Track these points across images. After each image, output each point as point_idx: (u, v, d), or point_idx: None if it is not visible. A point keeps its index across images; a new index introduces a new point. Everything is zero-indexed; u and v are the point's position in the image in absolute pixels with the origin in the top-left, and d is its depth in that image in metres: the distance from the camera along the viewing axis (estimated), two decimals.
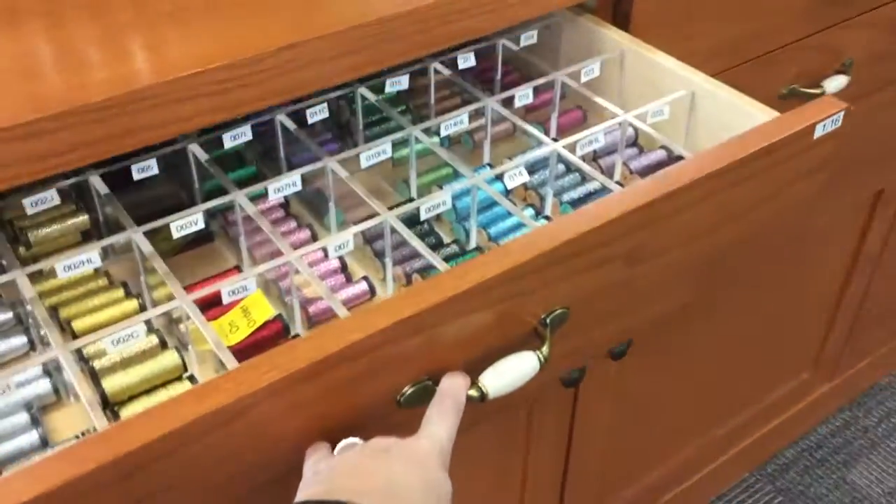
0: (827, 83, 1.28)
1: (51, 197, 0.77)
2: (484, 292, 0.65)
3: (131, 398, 0.65)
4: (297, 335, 0.74)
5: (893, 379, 2.00)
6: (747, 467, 1.79)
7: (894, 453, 1.85)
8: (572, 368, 1.05)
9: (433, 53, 0.95)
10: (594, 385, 1.19)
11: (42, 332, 0.68)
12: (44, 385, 0.69)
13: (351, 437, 0.61)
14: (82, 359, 0.69)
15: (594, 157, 0.93)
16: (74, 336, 0.74)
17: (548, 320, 0.70)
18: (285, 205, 0.88)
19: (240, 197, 0.78)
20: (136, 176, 0.81)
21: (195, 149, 0.84)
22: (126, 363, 0.67)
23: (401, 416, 0.65)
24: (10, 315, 0.76)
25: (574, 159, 0.85)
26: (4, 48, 0.73)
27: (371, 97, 0.93)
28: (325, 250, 0.73)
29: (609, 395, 1.27)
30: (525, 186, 0.90)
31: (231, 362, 0.64)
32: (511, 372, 0.66)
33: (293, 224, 0.85)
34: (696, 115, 0.91)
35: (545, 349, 0.68)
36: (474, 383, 0.65)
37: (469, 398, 0.65)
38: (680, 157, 0.92)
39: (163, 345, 0.71)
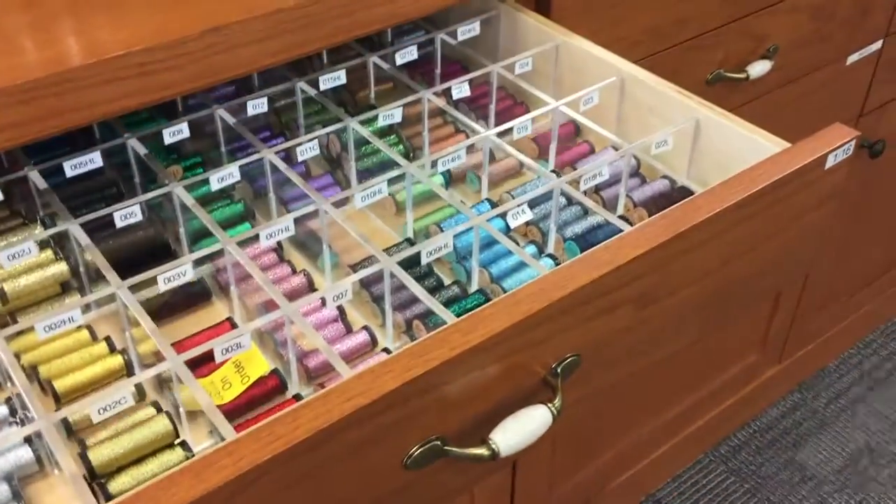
0: (751, 68, 1.32)
1: (28, 249, 0.73)
2: (494, 346, 0.61)
3: (120, 469, 0.61)
4: (298, 395, 0.70)
5: (840, 363, 2.08)
6: (700, 448, 1.83)
7: (842, 434, 1.91)
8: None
9: (372, 50, 1.01)
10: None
11: (22, 398, 0.64)
12: (25, 454, 0.64)
13: None
14: (67, 427, 0.65)
15: (595, 189, 0.90)
16: (56, 398, 0.70)
17: (558, 369, 0.67)
18: (277, 246, 0.84)
19: (230, 245, 0.74)
20: (120, 224, 0.77)
21: (180, 191, 0.80)
22: (113, 431, 0.63)
23: (407, 479, 0.61)
24: None
25: (577, 195, 0.82)
26: None
27: (363, 131, 0.89)
28: (322, 300, 0.69)
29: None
30: (528, 222, 0.87)
31: (226, 428, 0.60)
32: (523, 429, 0.63)
33: (287, 269, 0.81)
34: (700, 144, 0.89)
35: (557, 402, 0.65)
36: (484, 441, 0.62)
37: (479, 457, 0.62)
38: (683, 188, 0.89)
39: (145, 400, 0.66)
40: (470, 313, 0.63)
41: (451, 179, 0.92)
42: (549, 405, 0.64)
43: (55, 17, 0.78)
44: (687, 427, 1.71)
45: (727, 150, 0.87)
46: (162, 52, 0.73)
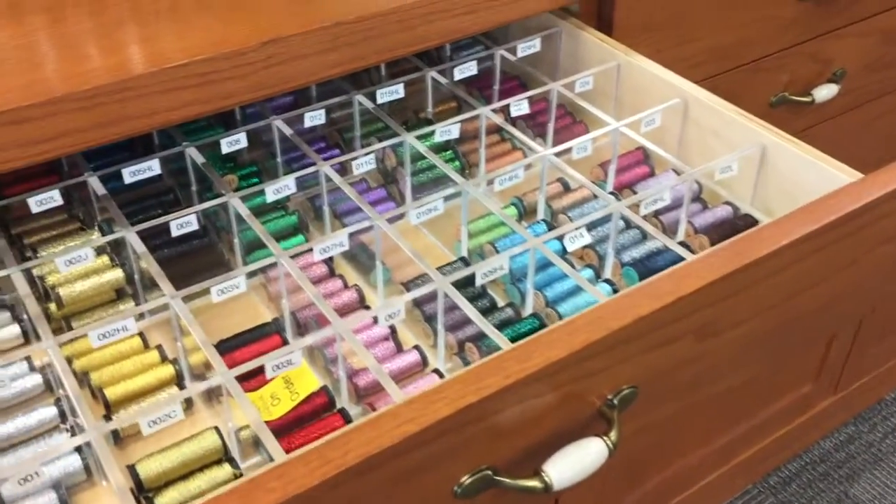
0: (816, 92, 1.28)
1: (85, 255, 0.73)
2: (550, 375, 0.59)
3: (168, 483, 0.61)
4: (343, 410, 0.69)
5: None
6: (749, 479, 1.76)
7: None
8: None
9: (430, 63, 1.02)
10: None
11: (74, 406, 0.64)
12: (74, 462, 0.64)
13: None
14: (114, 434, 0.64)
15: (655, 213, 0.88)
16: (107, 405, 0.70)
17: (615, 401, 0.65)
18: (328, 258, 0.84)
19: (284, 259, 0.73)
20: (176, 232, 0.77)
21: (236, 202, 0.80)
22: (163, 444, 0.63)
23: None
24: (39, 381, 0.71)
25: (637, 219, 0.80)
26: (6, 41, 0.76)
27: (420, 147, 0.88)
28: (375, 319, 0.68)
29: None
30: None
31: (274, 447, 0.59)
32: (578, 463, 0.61)
33: (339, 284, 0.81)
34: (765, 170, 0.86)
35: (613, 435, 0.63)
36: (537, 473, 0.60)
37: (532, 489, 0.60)
38: (747, 216, 0.86)
39: (192, 409, 0.66)
40: (526, 340, 0.61)
41: (525, 212, 0.91)
42: (605, 438, 0.62)
43: (118, 25, 0.78)
44: (736, 456, 1.66)
45: (794, 178, 0.84)
46: (223, 62, 0.74)
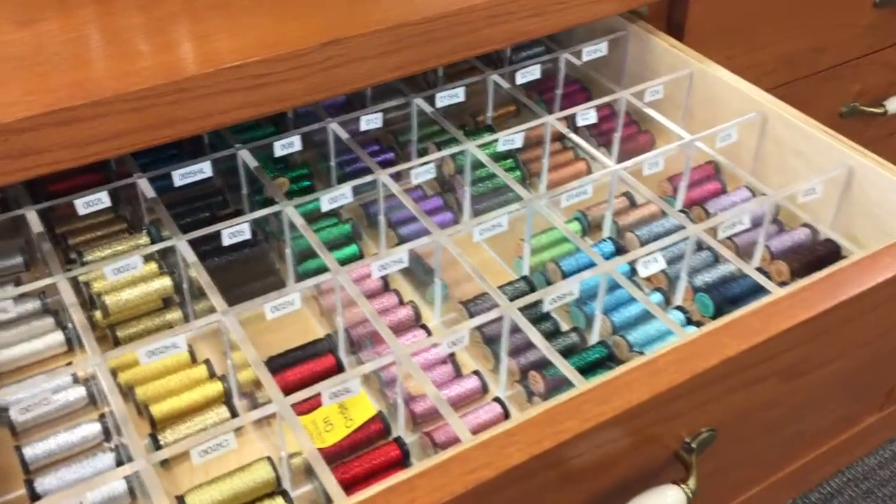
0: (889, 103, 1.22)
1: (134, 264, 0.70)
2: (630, 419, 0.55)
3: None
4: (399, 439, 0.65)
5: None
6: (790, 494, 1.71)
7: None
8: None
9: (490, 65, 0.99)
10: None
11: (119, 425, 0.60)
12: (119, 486, 0.61)
13: None
14: (156, 445, 0.61)
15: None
16: (153, 423, 0.67)
17: (693, 444, 0.60)
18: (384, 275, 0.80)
19: (341, 275, 0.70)
20: (227, 241, 0.73)
21: (290, 211, 0.76)
22: (210, 467, 0.59)
23: None
24: (83, 394, 0.69)
25: (713, 243, 0.75)
26: (55, 34, 0.72)
27: (481, 156, 0.84)
28: (436, 344, 0.64)
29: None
30: None
31: (329, 479, 0.55)
32: None
33: (394, 299, 0.77)
34: (850, 193, 0.81)
35: (692, 482, 0.59)
36: None
37: None
38: (828, 241, 0.81)
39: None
40: (603, 378, 0.57)
41: (589, 227, 0.86)
42: (684, 486, 0.58)
43: (170, 20, 0.75)
44: (778, 471, 1.62)
45: (882, 203, 0.78)
46: (280, 63, 0.70)
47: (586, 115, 0.88)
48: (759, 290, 0.74)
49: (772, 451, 0.74)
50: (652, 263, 0.71)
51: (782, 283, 0.77)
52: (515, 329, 0.69)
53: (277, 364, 0.71)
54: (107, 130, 0.65)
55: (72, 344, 0.74)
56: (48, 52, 0.69)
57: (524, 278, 0.78)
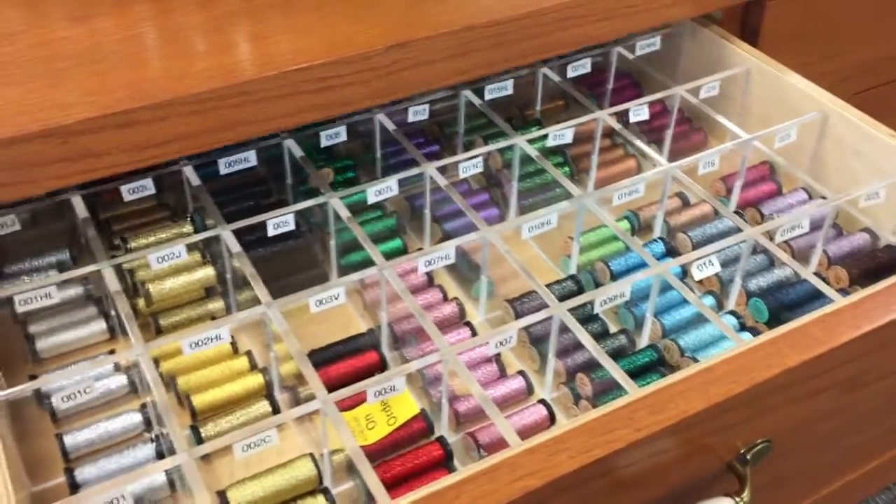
0: None
1: (178, 252, 0.69)
2: (684, 429, 0.53)
3: None
4: (441, 438, 0.64)
5: None
6: (865, 493, 1.66)
7: None
8: None
9: (543, 61, 0.93)
10: None
11: (160, 415, 0.60)
12: (159, 478, 0.61)
13: None
14: (197, 437, 0.61)
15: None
16: (193, 414, 0.66)
17: (748, 456, 0.58)
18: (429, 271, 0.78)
19: (387, 271, 0.68)
20: (272, 232, 0.72)
21: (335, 203, 0.75)
22: (251, 460, 0.58)
23: None
24: (124, 382, 0.68)
25: (769, 245, 0.73)
26: (111, 32, 0.70)
27: (530, 150, 0.82)
28: (486, 343, 0.63)
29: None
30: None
31: (371, 477, 0.54)
32: None
33: (438, 295, 0.75)
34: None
35: (746, 495, 0.57)
36: None
37: None
38: (890, 247, 0.78)
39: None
40: (658, 386, 0.55)
41: (640, 226, 0.84)
42: (738, 499, 0.56)
43: (229, 19, 0.73)
44: (828, 485, 1.54)
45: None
46: (345, 66, 0.67)
47: (639, 111, 0.85)
48: (815, 297, 0.71)
49: (826, 463, 0.71)
50: (707, 266, 0.69)
51: (841, 290, 0.74)
52: (563, 329, 0.67)
53: (319, 358, 0.70)
54: (166, 133, 0.63)
55: (114, 332, 0.73)
56: (105, 51, 0.68)
57: (572, 277, 0.77)
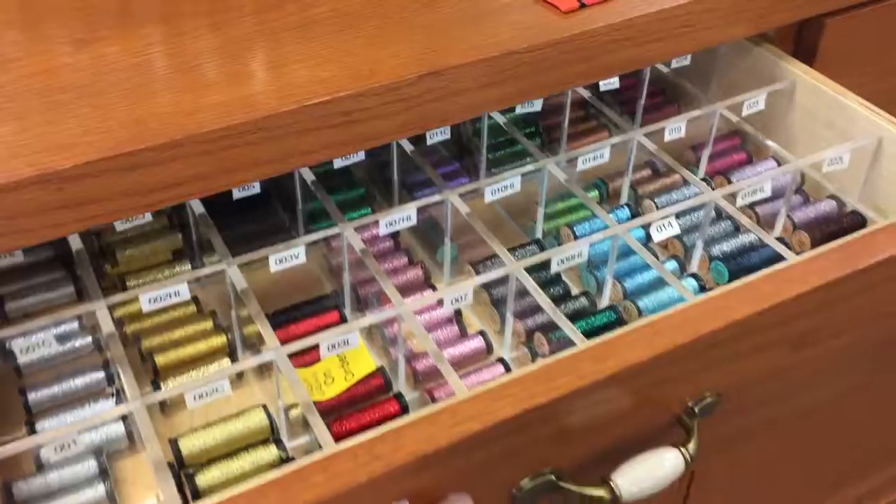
0: None
1: (143, 215, 0.70)
2: (628, 378, 0.54)
3: (210, 461, 0.57)
4: (399, 395, 0.65)
5: None
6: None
7: None
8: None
9: None
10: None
11: (119, 371, 0.61)
12: (117, 429, 0.62)
13: None
14: (163, 405, 0.61)
15: (750, 204, 0.80)
16: (156, 372, 0.67)
17: (696, 409, 0.59)
18: (396, 234, 0.79)
19: (347, 229, 0.69)
20: (237, 195, 0.73)
21: (303, 170, 0.76)
22: (211, 415, 0.59)
23: None
24: (88, 340, 0.69)
25: (732, 210, 0.73)
26: (116, 59, 0.64)
27: (499, 118, 0.82)
28: (440, 301, 0.64)
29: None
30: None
31: (321, 428, 0.55)
32: (651, 474, 0.55)
33: (404, 260, 0.76)
34: (879, 164, 0.78)
35: (692, 446, 0.57)
36: (605, 481, 0.55)
37: (598, 499, 0.55)
38: (855, 213, 0.78)
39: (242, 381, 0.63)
40: (604, 338, 0.56)
41: (608, 195, 0.83)
42: (683, 449, 0.56)
43: (245, 44, 0.66)
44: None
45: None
46: (372, 98, 0.61)
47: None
48: (777, 260, 0.71)
49: (777, 422, 0.71)
50: (666, 227, 0.69)
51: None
52: (524, 292, 0.68)
53: (282, 319, 0.70)
54: (174, 176, 0.57)
55: (82, 295, 0.74)
56: (108, 81, 0.61)
57: (536, 241, 0.77)
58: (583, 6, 0.69)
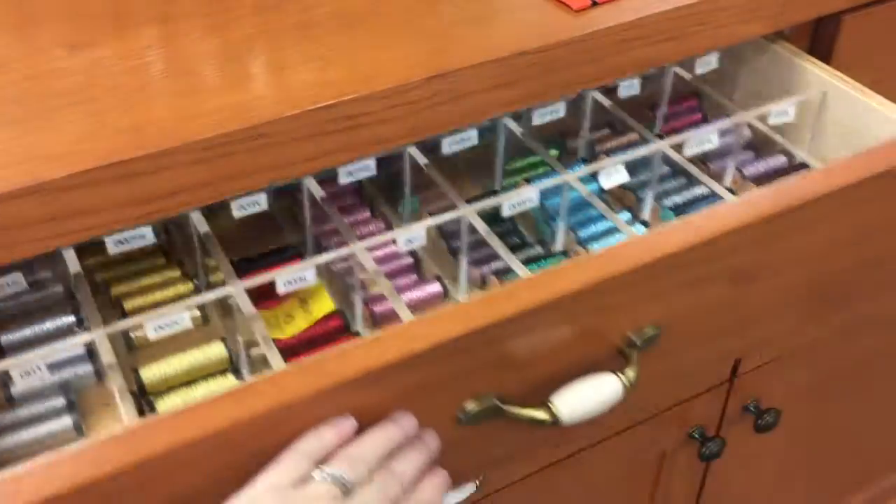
0: None
1: None
2: (566, 306, 0.57)
3: (170, 389, 0.60)
4: (357, 333, 0.67)
5: None
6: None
7: None
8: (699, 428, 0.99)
9: None
10: (730, 457, 1.04)
11: (86, 309, 0.63)
12: (85, 367, 0.64)
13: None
14: (127, 344, 0.64)
15: (704, 160, 0.83)
16: (123, 314, 0.70)
17: (637, 341, 0.62)
18: (359, 189, 0.82)
19: (308, 179, 0.72)
20: None
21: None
22: (168, 351, 0.62)
23: (460, 434, 0.57)
24: (60, 289, 0.72)
25: (680, 160, 0.76)
26: (111, 63, 0.62)
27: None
28: (395, 241, 0.66)
29: (744, 467, 1.14)
30: (623, 187, 0.81)
31: (277, 360, 0.58)
32: (588, 396, 0.58)
33: (367, 213, 0.79)
34: (826, 118, 0.81)
35: (630, 372, 0.60)
36: (545, 403, 0.57)
37: (539, 421, 0.57)
38: (803, 165, 0.81)
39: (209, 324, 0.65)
40: (545, 269, 0.58)
41: (566, 153, 0.85)
42: (620, 375, 0.59)
43: (245, 46, 0.64)
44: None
45: (855, 126, 0.78)
46: (378, 101, 0.60)
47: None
48: None
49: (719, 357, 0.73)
50: (614, 174, 0.72)
51: None
52: (482, 242, 0.71)
53: (246, 267, 0.73)
54: (171, 185, 0.56)
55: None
56: (103, 86, 0.60)
57: (493, 191, 0.80)
58: (595, 4, 0.69)
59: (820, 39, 0.86)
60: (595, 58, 0.67)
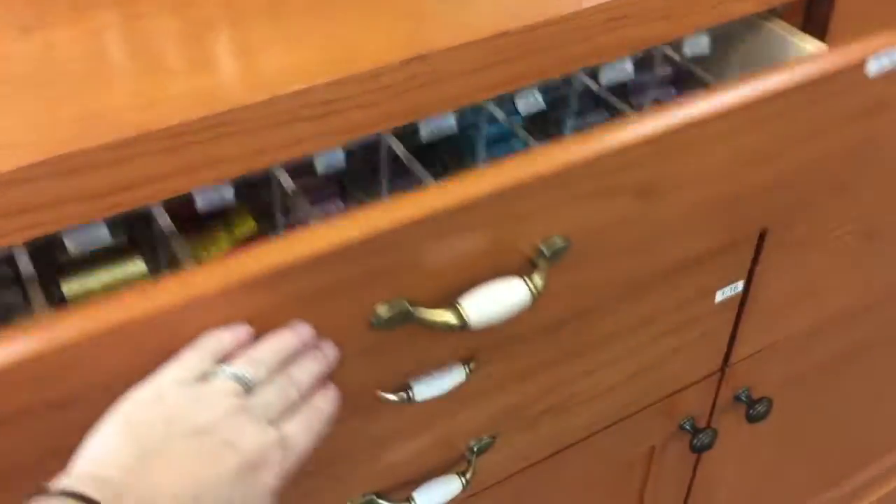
0: None
1: None
2: (470, 210, 0.59)
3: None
4: None
5: None
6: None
7: None
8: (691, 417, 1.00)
9: None
10: (722, 448, 1.06)
11: None
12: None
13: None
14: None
15: (627, 96, 0.86)
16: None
17: (546, 251, 0.64)
18: (335, 179, 0.81)
19: (279, 170, 0.73)
20: None
21: None
22: (89, 266, 0.64)
23: (375, 338, 0.59)
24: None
25: (601, 91, 0.79)
26: (67, 46, 0.59)
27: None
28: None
29: (734, 458, 1.16)
30: (547, 120, 0.84)
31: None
32: (495, 300, 0.60)
33: (341, 204, 0.80)
34: (743, 51, 0.83)
35: (538, 279, 0.62)
36: (453, 305, 0.60)
37: (446, 324, 0.60)
38: None
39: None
40: (451, 179, 0.61)
41: None
42: (528, 281, 0.62)
43: (209, 27, 0.61)
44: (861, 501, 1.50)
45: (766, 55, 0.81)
46: (353, 85, 0.57)
47: None
48: None
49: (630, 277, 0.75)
50: (529, 98, 0.75)
51: None
52: (406, 170, 0.73)
53: None
54: (130, 177, 0.53)
55: None
56: (57, 70, 0.57)
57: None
58: None
59: (814, 16, 0.85)
60: (580, 39, 0.66)
